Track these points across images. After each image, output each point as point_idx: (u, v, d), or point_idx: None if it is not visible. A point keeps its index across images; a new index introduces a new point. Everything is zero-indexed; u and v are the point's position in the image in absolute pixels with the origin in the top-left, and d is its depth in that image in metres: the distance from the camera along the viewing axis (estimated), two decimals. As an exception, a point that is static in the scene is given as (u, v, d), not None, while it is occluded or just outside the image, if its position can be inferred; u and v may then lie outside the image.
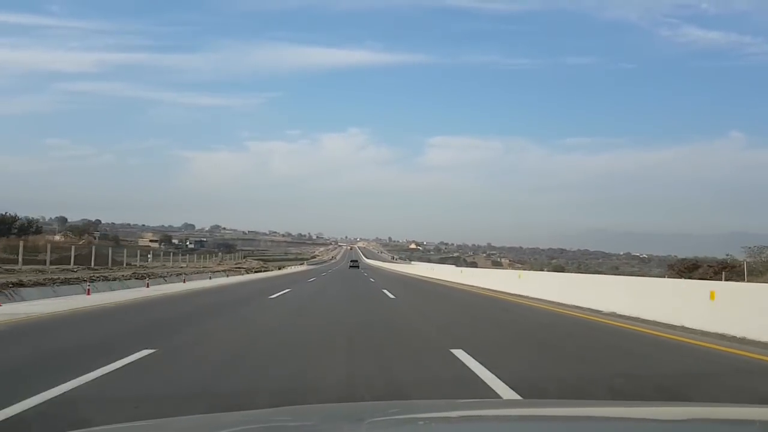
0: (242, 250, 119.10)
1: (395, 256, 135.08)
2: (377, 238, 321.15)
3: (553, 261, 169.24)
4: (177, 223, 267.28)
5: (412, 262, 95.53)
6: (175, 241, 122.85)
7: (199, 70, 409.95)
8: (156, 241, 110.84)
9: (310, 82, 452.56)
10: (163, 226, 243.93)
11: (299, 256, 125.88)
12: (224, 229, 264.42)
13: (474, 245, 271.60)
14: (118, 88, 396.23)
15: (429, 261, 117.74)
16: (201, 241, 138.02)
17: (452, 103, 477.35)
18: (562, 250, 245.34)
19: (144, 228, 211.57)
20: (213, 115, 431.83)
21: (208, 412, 3.57)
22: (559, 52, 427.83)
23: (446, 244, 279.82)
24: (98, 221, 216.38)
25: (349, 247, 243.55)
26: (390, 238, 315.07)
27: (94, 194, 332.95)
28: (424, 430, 2.04)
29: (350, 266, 71.64)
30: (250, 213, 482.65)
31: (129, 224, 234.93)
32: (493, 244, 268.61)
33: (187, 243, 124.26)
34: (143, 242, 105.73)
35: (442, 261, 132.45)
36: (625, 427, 2.04)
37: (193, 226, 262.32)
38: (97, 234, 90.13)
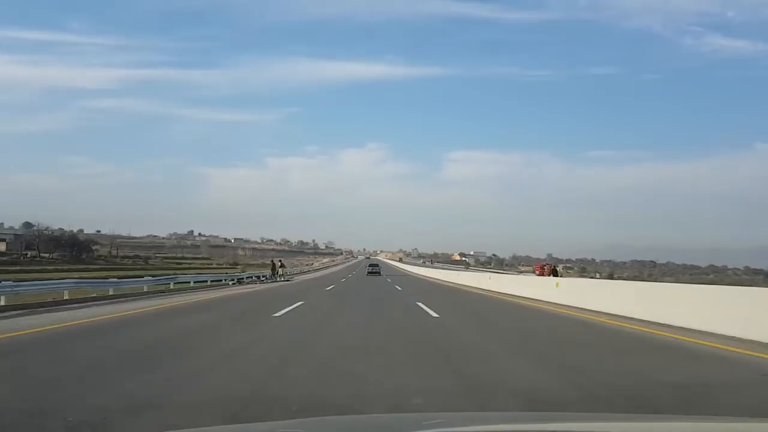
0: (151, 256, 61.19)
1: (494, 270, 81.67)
2: (401, 249, 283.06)
3: (650, 278, 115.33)
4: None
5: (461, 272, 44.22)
6: None
7: (217, 86, 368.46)
8: None
9: (329, 97, 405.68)
10: (149, 234, 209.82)
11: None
12: (199, 235, 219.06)
13: (527, 256, 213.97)
14: (138, 104, 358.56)
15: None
16: (12, 234, 79.91)
17: (472, 117, 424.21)
18: (653, 263, 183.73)
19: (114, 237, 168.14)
20: (232, 131, 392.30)
21: None
22: (580, 62, 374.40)
23: (496, 255, 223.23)
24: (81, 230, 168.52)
25: (366, 257, 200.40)
26: (416, 249, 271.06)
27: (103, 210, 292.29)
28: None
29: (368, 272, 58.37)
30: (260, 225, 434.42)
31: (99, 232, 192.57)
32: (554, 256, 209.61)
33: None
34: None
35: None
36: None
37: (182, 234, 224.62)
38: None
